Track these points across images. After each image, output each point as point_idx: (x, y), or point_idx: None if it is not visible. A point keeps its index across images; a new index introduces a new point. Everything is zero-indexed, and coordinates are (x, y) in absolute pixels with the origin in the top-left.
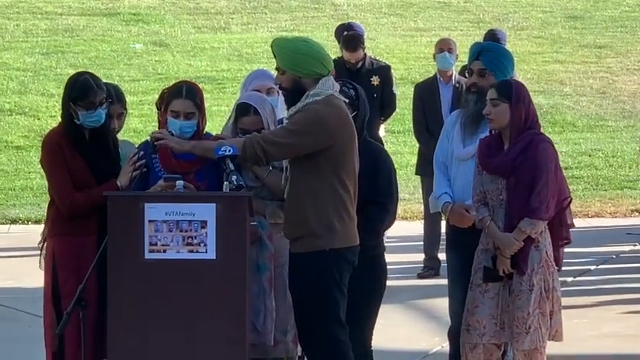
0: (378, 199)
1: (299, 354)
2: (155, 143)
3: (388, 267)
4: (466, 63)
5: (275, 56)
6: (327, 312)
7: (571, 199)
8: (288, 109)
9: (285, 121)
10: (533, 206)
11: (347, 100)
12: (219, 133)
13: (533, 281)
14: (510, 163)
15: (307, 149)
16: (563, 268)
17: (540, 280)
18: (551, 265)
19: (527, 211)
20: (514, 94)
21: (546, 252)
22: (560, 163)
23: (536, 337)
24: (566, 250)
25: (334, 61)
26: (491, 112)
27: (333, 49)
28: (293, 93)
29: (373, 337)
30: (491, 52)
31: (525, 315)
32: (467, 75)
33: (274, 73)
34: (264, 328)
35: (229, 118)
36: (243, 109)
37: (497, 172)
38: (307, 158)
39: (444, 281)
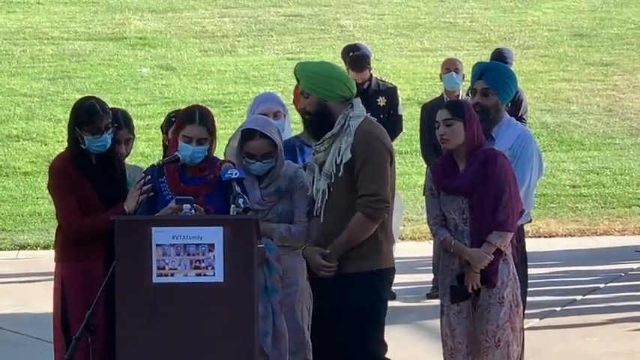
0: None
1: None
2: None
3: (397, 287)
4: None
5: (298, 80)
6: (372, 331)
7: (524, 210)
8: (314, 133)
9: (316, 147)
10: (501, 219)
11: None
12: (223, 157)
13: (503, 294)
14: (471, 182)
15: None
16: (573, 287)
17: (509, 294)
18: (517, 280)
19: (495, 224)
20: (466, 113)
21: (512, 266)
22: (568, 181)
23: (507, 352)
24: (574, 268)
25: None
26: (445, 133)
27: None
28: (318, 116)
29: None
30: (494, 71)
31: (494, 328)
32: (470, 94)
33: (281, 96)
34: (277, 351)
35: (230, 140)
36: (248, 134)
37: (458, 193)
38: (353, 178)
39: None
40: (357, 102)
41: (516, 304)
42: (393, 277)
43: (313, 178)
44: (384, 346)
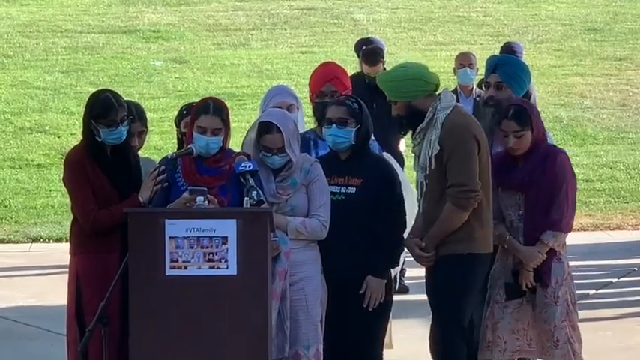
0: (389, 215)
1: None
2: None
3: (410, 281)
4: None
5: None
6: (451, 313)
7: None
8: (412, 134)
9: (412, 141)
10: (555, 218)
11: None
12: (240, 149)
13: (558, 294)
14: (528, 179)
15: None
16: (586, 281)
17: (566, 293)
18: (572, 278)
19: (549, 223)
20: (532, 119)
21: (567, 264)
22: (581, 175)
23: (567, 350)
24: (587, 262)
25: (353, 76)
26: (515, 144)
27: (353, 64)
28: (409, 118)
29: (393, 350)
30: (507, 65)
31: (552, 328)
32: (484, 88)
33: (294, 89)
34: None
35: (247, 133)
36: (266, 127)
37: (515, 189)
38: (443, 169)
39: None
40: (445, 93)
41: (573, 301)
42: (488, 262)
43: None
44: (461, 330)
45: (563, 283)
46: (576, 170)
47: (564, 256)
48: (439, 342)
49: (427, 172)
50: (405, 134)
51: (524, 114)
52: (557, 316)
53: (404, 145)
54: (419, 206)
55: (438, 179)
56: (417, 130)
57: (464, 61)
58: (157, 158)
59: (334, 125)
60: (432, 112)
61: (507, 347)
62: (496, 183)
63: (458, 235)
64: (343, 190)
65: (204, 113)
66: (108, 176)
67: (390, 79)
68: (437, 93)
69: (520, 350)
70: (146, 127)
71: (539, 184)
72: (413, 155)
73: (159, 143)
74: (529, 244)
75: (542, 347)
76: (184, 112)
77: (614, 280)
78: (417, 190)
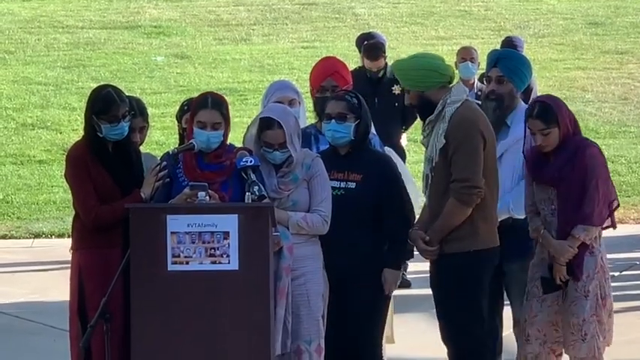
0: (396, 210)
1: None
2: None
3: (412, 276)
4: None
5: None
6: (466, 309)
7: (618, 202)
8: (424, 122)
9: (421, 133)
10: (586, 212)
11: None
12: (241, 144)
13: (588, 288)
14: (557, 174)
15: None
16: None
17: (596, 287)
18: (607, 271)
19: (580, 217)
20: (559, 116)
21: (601, 258)
22: None
23: (594, 345)
24: None
25: (354, 71)
26: (543, 141)
27: (354, 59)
28: (421, 107)
29: (394, 345)
30: (508, 59)
31: (581, 322)
32: (485, 82)
33: (296, 84)
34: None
35: (248, 128)
36: (267, 123)
37: (547, 183)
38: (448, 163)
39: None
40: (457, 87)
41: (603, 296)
42: (496, 257)
43: None
44: (478, 324)
45: (594, 277)
46: None
47: (597, 249)
48: (459, 337)
49: (432, 165)
50: (406, 129)
51: (550, 111)
52: (586, 310)
53: (405, 139)
54: (426, 198)
55: (442, 172)
56: (426, 122)
57: (465, 55)
58: (159, 154)
59: (333, 120)
60: (442, 104)
61: (547, 339)
62: (530, 177)
63: (462, 232)
64: (343, 185)
65: (203, 108)
66: (109, 172)
67: (404, 67)
68: (450, 86)
69: (560, 342)
70: (147, 123)
71: (569, 179)
72: (414, 150)
73: (160, 139)
74: (562, 238)
75: (567, 340)
76: (185, 107)
77: (616, 274)
78: (423, 182)
